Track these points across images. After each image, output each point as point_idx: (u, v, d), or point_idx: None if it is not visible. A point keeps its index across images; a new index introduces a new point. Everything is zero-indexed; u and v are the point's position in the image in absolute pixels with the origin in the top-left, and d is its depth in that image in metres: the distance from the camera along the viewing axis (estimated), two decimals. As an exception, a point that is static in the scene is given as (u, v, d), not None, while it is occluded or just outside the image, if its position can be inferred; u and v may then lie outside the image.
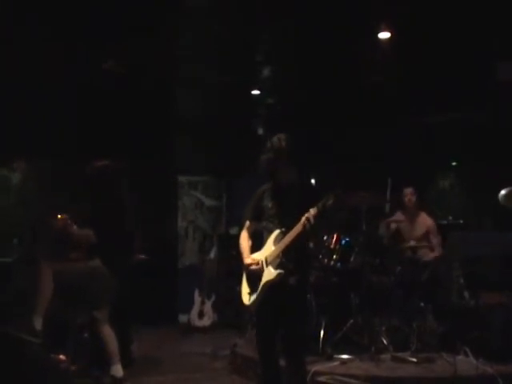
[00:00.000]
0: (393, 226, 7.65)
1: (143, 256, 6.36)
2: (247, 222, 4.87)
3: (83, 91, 7.97)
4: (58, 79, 7.65)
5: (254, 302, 4.57)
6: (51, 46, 7.12)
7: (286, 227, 4.46)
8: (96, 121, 8.31)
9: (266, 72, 9.06)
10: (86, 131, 8.21)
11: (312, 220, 4.25)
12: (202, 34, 7.59)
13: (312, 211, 4.26)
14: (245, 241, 4.82)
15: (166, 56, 8.06)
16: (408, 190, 7.52)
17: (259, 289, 4.52)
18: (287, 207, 4.55)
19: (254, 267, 4.58)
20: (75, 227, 5.48)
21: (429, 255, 7.23)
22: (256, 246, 4.75)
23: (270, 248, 4.55)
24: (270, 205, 4.67)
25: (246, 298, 4.67)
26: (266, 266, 4.51)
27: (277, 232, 4.54)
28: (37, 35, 6.91)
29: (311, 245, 6.49)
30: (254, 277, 4.58)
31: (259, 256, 4.61)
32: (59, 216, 5.44)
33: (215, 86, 8.87)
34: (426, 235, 7.39)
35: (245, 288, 4.71)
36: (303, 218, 4.28)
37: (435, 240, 7.38)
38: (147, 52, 7.70)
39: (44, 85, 7.61)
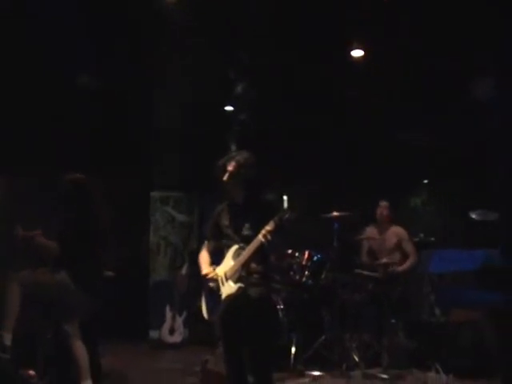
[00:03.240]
0: (365, 243, 7.67)
1: (111, 273, 6.29)
2: (206, 242, 4.92)
3: (56, 106, 7.91)
4: (32, 94, 7.60)
5: (216, 316, 4.59)
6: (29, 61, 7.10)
7: (244, 242, 4.48)
8: (70, 136, 8.25)
9: (239, 88, 9.08)
10: (60, 146, 8.14)
11: (269, 235, 4.28)
12: (177, 51, 7.60)
13: (269, 226, 4.29)
14: (203, 258, 4.85)
15: (141, 73, 8.06)
16: (383, 204, 7.56)
17: (221, 303, 4.52)
18: (243, 224, 4.57)
19: (212, 279, 4.59)
20: (36, 233, 5.41)
21: (401, 266, 7.23)
22: (217, 265, 4.75)
23: (228, 263, 4.57)
24: (226, 223, 4.70)
25: (207, 312, 4.69)
26: (226, 280, 4.52)
27: (235, 247, 4.56)
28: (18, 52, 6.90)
29: (272, 258, 6.52)
30: (214, 292, 4.59)
31: (218, 271, 4.62)
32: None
33: (189, 101, 8.87)
34: (398, 245, 7.41)
35: (205, 302, 4.73)
36: (260, 234, 4.31)
37: (409, 246, 7.38)
38: (121, 68, 7.70)
39: (18, 100, 7.56)
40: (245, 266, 4.45)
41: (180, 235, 9.96)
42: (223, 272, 4.57)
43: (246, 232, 4.54)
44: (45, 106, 7.85)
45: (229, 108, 9.81)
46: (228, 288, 4.48)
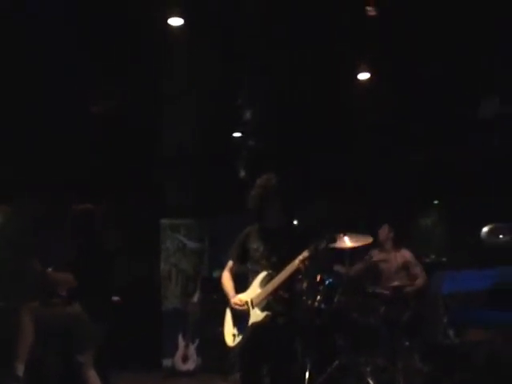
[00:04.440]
0: (370, 266, 7.62)
1: (117, 298, 6.28)
2: (230, 262, 4.84)
3: (63, 132, 7.94)
4: (38, 121, 7.63)
5: (240, 343, 4.53)
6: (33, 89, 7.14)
7: (273, 269, 4.45)
8: (79, 162, 8.27)
9: (247, 115, 9.12)
10: (68, 173, 8.16)
11: (307, 262, 4.26)
12: (185, 77, 7.65)
13: (305, 253, 4.27)
14: (228, 281, 4.78)
15: (151, 98, 8.11)
16: (383, 227, 7.53)
17: (245, 330, 4.48)
18: (275, 248, 4.53)
19: (239, 308, 4.54)
20: (51, 270, 5.44)
21: (411, 287, 7.17)
22: (237, 288, 4.72)
23: (255, 290, 4.53)
24: (255, 246, 4.64)
25: (231, 339, 4.62)
26: (253, 307, 4.48)
27: (263, 274, 4.52)
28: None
29: (304, 286, 6.50)
30: (239, 318, 4.55)
31: (244, 297, 4.58)
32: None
33: (197, 128, 8.91)
34: (405, 267, 7.35)
35: (229, 329, 4.66)
36: (297, 261, 4.29)
37: (416, 269, 7.32)
38: (128, 94, 7.75)
39: (24, 126, 7.60)
40: (273, 293, 4.43)
41: (191, 262, 9.95)
42: (249, 299, 4.54)
43: (273, 258, 4.52)
44: (55, 132, 7.88)
45: (237, 134, 9.84)
46: (254, 316, 4.46)
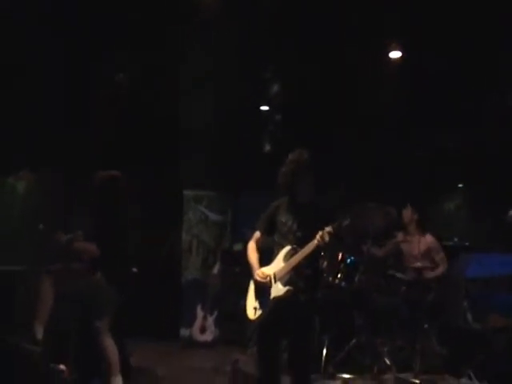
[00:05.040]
0: (394, 248, 7.56)
1: (135, 269, 6.28)
2: (257, 233, 4.82)
3: (89, 104, 7.96)
4: (65, 92, 7.64)
5: (260, 316, 4.52)
6: (59, 57, 7.14)
7: (299, 244, 4.43)
8: (101, 133, 8.29)
9: (275, 88, 9.06)
10: (92, 143, 8.18)
11: (326, 238, 4.24)
12: (211, 50, 7.60)
13: (327, 230, 4.25)
14: (254, 253, 4.76)
15: (173, 71, 8.07)
16: (406, 210, 7.46)
17: (267, 305, 4.48)
18: (303, 224, 4.52)
19: (262, 281, 4.53)
20: (74, 239, 5.45)
21: (432, 273, 7.12)
22: (262, 261, 4.70)
23: (279, 264, 4.52)
24: (284, 220, 4.63)
25: (252, 312, 4.61)
26: (275, 281, 4.47)
27: (288, 248, 4.51)
28: (46, 48, 6.93)
29: (324, 264, 6.48)
30: (262, 291, 4.54)
31: (268, 271, 4.56)
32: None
33: (223, 100, 8.86)
34: (427, 253, 7.29)
35: (251, 302, 4.65)
36: (317, 236, 4.27)
37: (438, 257, 7.25)
38: (154, 65, 7.72)
39: (51, 96, 7.61)
40: (296, 268, 4.42)
41: (212, 234, 9.96)
42: (272, 272, 4.53)
43: (299, 233, 4.51)
44: (76, 103, 7.89)
45: (264, 108, 9.78)
46: (276, 290, 4.45)
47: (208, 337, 8.79)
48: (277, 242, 4.62)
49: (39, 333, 5.18)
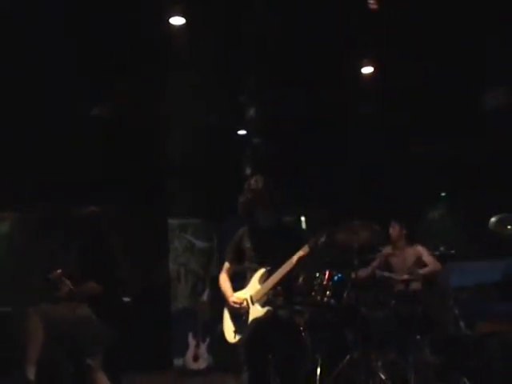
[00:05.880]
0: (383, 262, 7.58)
1: (127, 298, 6.26)
2: (226, 264, 4.95)
3: (68, 137, 7.95)
4: (45, 127, 7.64)
5: (241, 340, 4.57)
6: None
7: (271, 266, 4.48)
8: (84, 166, 8.27)
9: (251, 112, 9.09)
10: (74, 177, 8.16)
11: (304, 258, 4.29)
12: (187, 77, 7.63)
13: (304, 250, 4.31)
14: (225, 282, 4.90)
15: (151, 100, 8.10)
16: (394, 228, 7.49)
17: (246, 327, 4.51)
18: (267, 248, 4.59)
19: (237, 306, 4.59)
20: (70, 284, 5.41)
21: (425, 268, 7.13)
22: (236, 288, 4.80)
23: (255, 286, 4.59)
24: (249, 245, 4.73)
25: (231, 335, 4.70)
26: (253, 304, 4.52)
27: (262, 271, 4.58)
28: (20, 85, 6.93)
29: (300, 280, 6.53)
30: (239, 315, 4.59)
31: (243, 295, 4.64)
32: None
33: (202, 127, 8.89)
34: (418, 261, 7.31)
35: (228, 326, 4.74)
36: (295, 257, 4.34)
37: (428, 258, 7.27)
38: (133, 96, 7.75)
39: (31, 133, 7.61)
40: (273, 289, 4.46)
41: (200, 262, 9.95)
42: (249, 295, 4.59)
43: (271, 256, 4.55)
44: (56, 138, 7.88)
45: (242, 132, 9.82)
46: (255, 311, 4.50)
47: (201, 365, 8.75)
48: (249, 267, 4.71)
49: (31, 373, 5.11)
